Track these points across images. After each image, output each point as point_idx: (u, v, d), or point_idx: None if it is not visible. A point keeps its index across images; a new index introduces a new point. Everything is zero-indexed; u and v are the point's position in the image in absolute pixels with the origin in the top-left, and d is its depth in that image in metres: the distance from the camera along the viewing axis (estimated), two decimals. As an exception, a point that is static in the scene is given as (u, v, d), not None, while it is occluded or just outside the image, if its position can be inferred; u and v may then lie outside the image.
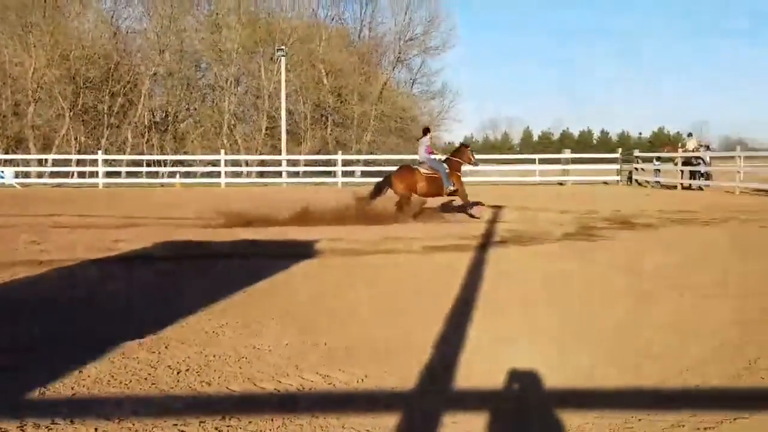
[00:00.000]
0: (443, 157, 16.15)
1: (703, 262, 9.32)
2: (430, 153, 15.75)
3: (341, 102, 39.41)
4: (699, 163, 26.18)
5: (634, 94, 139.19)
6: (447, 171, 15.32)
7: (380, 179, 15.80)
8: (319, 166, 33.39)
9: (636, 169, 30.66)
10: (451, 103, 44.49)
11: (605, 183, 30.76)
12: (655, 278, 7.97)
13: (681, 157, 27.06)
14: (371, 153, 37.67)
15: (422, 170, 15.26)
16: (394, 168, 16.61)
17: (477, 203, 16.10)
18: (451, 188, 15.35)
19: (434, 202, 16.09)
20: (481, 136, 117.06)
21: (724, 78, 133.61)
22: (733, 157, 25.45)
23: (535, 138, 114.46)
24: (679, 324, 5.79)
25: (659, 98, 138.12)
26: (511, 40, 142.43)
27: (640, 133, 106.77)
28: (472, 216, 15.23)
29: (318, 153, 36.26)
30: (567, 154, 32.31)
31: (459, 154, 16.05)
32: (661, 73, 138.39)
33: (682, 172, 26.70)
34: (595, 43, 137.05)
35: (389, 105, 40.06)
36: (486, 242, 11.20)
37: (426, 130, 16.48)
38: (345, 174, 31.44)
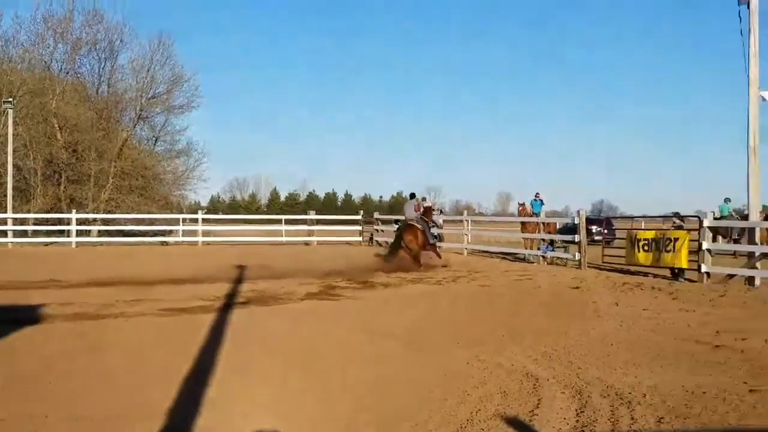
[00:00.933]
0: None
1: (432, 320, 9.93)
2: (417, 211, 19.38)
3: (77, 158, 37.06)
4: (433, 226, 27.98)
5: (376, 159, 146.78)
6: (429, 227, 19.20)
7: (394, 240, 19.89)
8: (51, 224, 31.15)
9: (377, 230, 32.08)
10: (197, 162, 43.70)
11: (348, 243, 31.74)
12: (388, 337, 8.31)
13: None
14: (110, 212, 35.69)
15: (419, 226, 18.68)
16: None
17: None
18: (433, 241, 19.29)
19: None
20: (228, 196, 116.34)
21: (456, 146, 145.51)
22: (461, 221, 27.52)
23: (283, 199, 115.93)
24: (408, 380, 6.08)
25: (400, 164, 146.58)
26: (257, 102, 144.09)
27: (381, 197, 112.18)
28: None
29: (50, 211, 33.68)
30: (312, 215, 33.06)
31: (427, 215, 19.95)
32: (400, 140, 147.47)
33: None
34: (340, 110, 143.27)
35: (130, 162, 38.40)
36: (230, 303, 11.03)
37: (413, 195, 20.71)
38: (80, 233, 29.61)
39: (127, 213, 34.07)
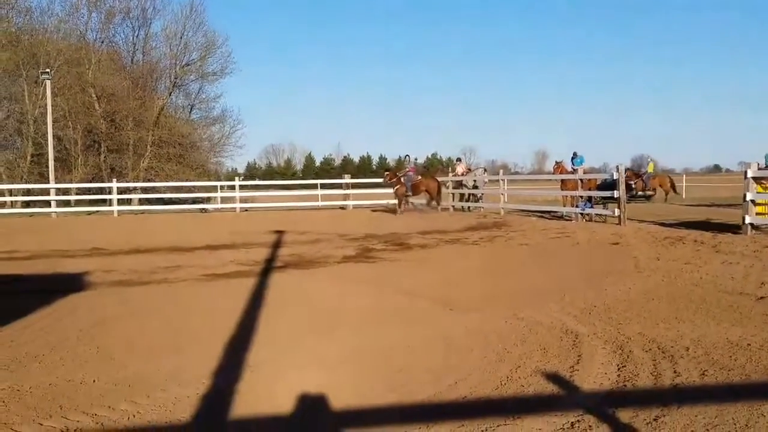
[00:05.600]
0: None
1: (470, 280, 9.90)
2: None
3: (115, 128, 37.48)
4: (477, 186, 27.71)
5: (410, 120, 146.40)
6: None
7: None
8: (93, 194, 31.71)
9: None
10: (232, 129, 43.96)
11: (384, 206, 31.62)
12: (425, 297, 8.29)
13: (452, 180, 28.59)
14: (149, 180, 36.17)
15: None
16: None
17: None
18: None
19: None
20: (264, 162, 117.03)
21: (489, 107, 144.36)
22: (497, 181, 27.30)
23: (318, 163, 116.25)
24: (446, 340, 6.08)
25: (433, 125, 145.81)
26: (291, 67, 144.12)
27: (416, 158, 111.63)
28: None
29: (91, 181, 34.23)
30: (347, 179, 32.95)
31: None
32: (434, 100, 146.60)
33: (453, 194, 28.15)
34: (367, 73, 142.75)
35: (167, 131, 38.69)
36: (268, 267, 11.12)
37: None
38: (121, 202, 30.04)
39: (166, 181, 34.39)
